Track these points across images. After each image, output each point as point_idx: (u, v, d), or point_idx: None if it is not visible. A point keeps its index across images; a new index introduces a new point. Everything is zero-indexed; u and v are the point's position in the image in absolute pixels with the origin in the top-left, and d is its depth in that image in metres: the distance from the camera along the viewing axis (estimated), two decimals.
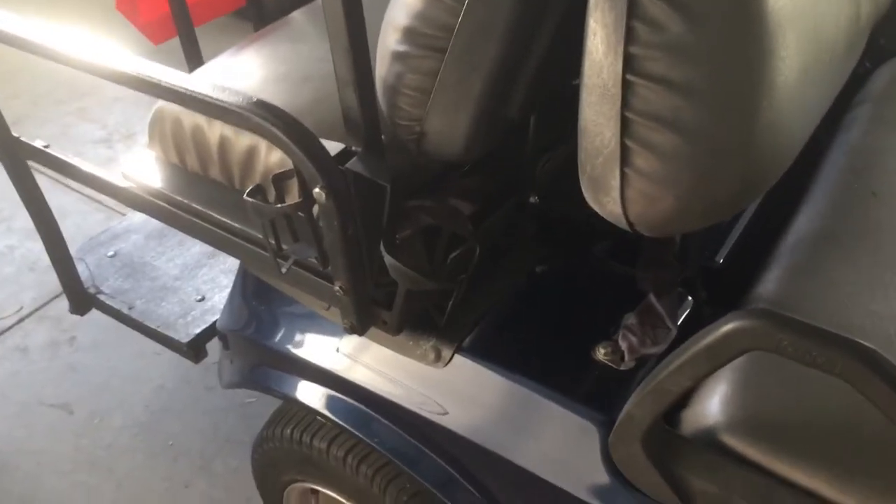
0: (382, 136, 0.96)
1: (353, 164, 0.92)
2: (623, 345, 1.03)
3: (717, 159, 0.77)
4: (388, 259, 0.93)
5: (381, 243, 0.95)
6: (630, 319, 1.05)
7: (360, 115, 0.91)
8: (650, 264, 1.17)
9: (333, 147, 0.95)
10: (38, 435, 1.95)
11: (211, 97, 0.93)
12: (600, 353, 1.04)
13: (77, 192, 2.66)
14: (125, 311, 1.63)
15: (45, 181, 2.64)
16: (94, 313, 1.78)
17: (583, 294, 1.18)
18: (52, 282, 2.21)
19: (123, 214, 2.08)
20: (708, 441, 0.92)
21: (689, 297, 1.16)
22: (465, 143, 0.93)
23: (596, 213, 1.13)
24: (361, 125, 0.92)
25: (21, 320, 2.25)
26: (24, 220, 2.45)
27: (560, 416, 1.00)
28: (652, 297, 1.07)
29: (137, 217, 1.87)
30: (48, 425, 1.96)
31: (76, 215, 2.59)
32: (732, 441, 0.90)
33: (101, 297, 1.67)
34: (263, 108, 0.91)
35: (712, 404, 0.93)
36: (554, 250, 1.27)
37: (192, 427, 1.94)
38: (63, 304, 2.09)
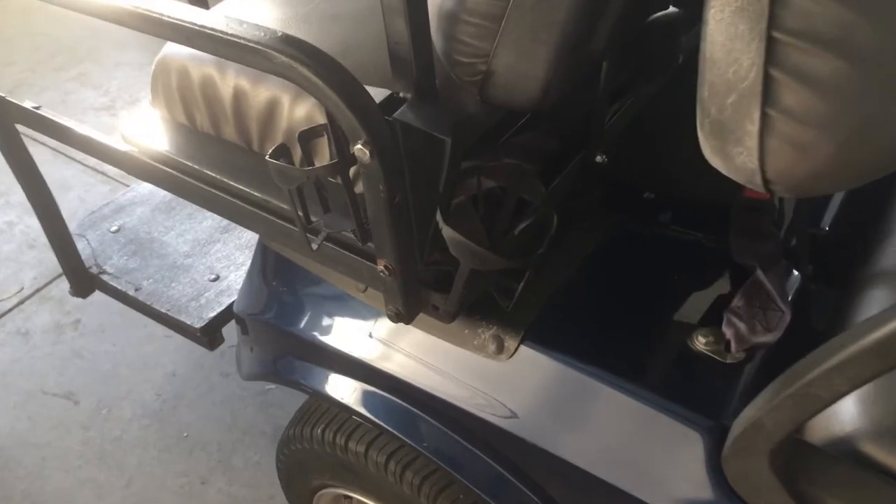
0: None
1: (402, 113, 0.74)
2: (728, 332, 0.85)
3: None
4: (447, 232, 0.75)
5: (438, 212, 0.77)
6: (736, 301, 0.87)
7: (412, 53, 0.72)
8: (746, 234, 0.99)
9: (377, 94, 0.76)
10: (41, 427, 1.80)
11: (226, 32, 0.75)
12: (700, 343, 0.86)
13: (80, 163, 2.50)
14: (131, 292, 1.46)
15: (45, 152, 2.48)
16: (100, 294, 1.61)
17: (668, 270, 0.99)
18: (55, 260, 2.04)
19: (129, 186, 1.90)
20: (846, 453, 0.75)
21: (795, 272, 0.98)
22: (544, 83, 0.74)
23: (673, 176, 0.94)
24: (413, 65, 0.73)
25: (21, 302, 2.09)
26: (23, 194, 2.30)
27: (654, 420, 0.83)
28: (760, 274, 0.89)
29: (143, 188, 1.70)
30: (53, 417, 1.83)
31: (79, 188, 2.43)
32: (877, 452, 0.73)
33: (105, 278, 1.50)
34: (291, 45, 0.72)
35: (847, 407, 0.76)
36: (626, 218, 1.09)
37: (207, 417, 1.79)
38: (66, 283, 1.93)
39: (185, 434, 1.76)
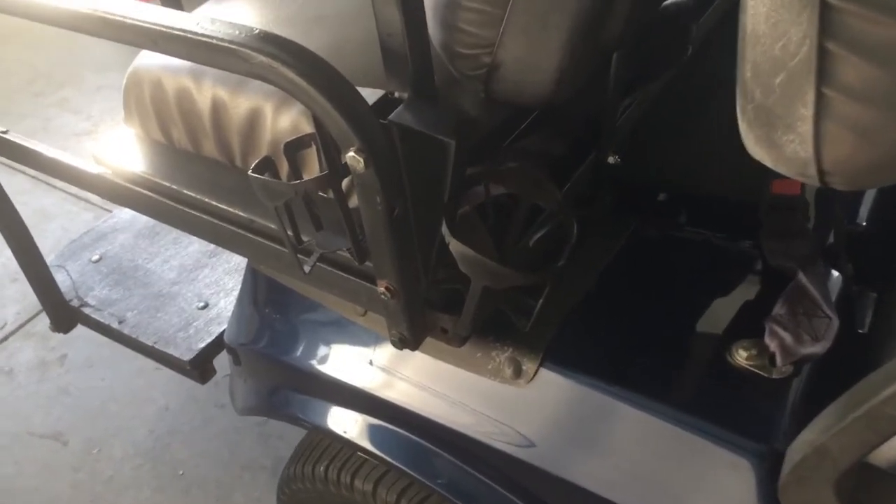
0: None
1: (398, 115, 0.65)
2: (772, 344, 0.77)
3: None
4: (455, 247, 0.67)
5: (444, 224, 0.68)
6: (778, 309, 0.78)
7: (407, 45, 0.64)
8: (777, 234, 0.90)
9: (369, 95, 0.68)
10: (28, 471, 1.70)
11: (196, 33, 0.66)
12: (741, 357, 0.77)
13: (62, 191, 2.41)
14: (115, 325, 1.37)
15: (24, 180, 2.39)
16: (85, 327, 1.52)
17: (694, 277, 0.91)
18: None
19: (111, 212, 1.81)
20: None
21: (835, 273, 0.89)
22: (557, 74, 0.66)
23: (689, 174, 0.87)
24: (408, 59, 0.65)
25: (4, 339, 1.99)
26: None
27: (696, 447, 0.74)
28: (802, 277, 0.80)
29: (125, 213, 1.61)
30: (40, 459, 1.72)
31: (62, 217, 2.34)
32: None
33: (87, 311, 1.41)
34: (270, 43, 0.64)
35: None
36: (641, 223, 1.00)
37: (204, 453, 1.69)
38: None
39: (181, 472, 1.66)
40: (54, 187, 2.40)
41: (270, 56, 0.63)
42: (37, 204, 2.35)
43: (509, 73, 0.66)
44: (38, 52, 3.05)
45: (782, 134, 0.56)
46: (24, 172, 2.33)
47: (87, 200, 2.38)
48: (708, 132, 1.11)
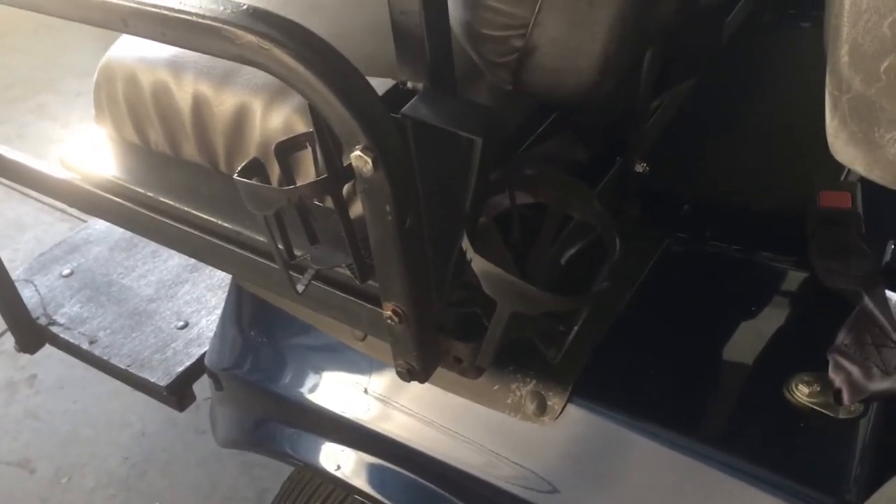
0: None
1: (413, 107, 0.55)
2: (838, 379, 0.67)
3: None
4: (480, 264, 0.56)
5: (465, 238, 0.58)
6: (842, 338, 0.68)
7: (424, 27, 0.54)
8: (829, 252, 0.81)
9: (377, 85, 0.57)
10: None
11: (173, 9, 0.56)
12: (801, 394, 0.67)
13: (36, 200, 2.29)
14: (85, 346, 1.26)
15: None
16: None
17: (737, 299, 0.81)
18: None
19: (87, 223, 1.70)
20: None
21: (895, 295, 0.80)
22: (601, 62, 0.56)
23: (721, 183, 0.78)
24: (425, 42, 0.55)
25: None
26: None
27: (752, 499, 0.64)
28: (869, 302, 0.70)
29: (100, 224, 1.49)
30: (5, 489, 1.61)
31: (36, 228, 2.22)
32: None
33: (55, 330, 1.29)
34: (260, 20, 0.54)
35: None
36: (671, 237, 0.91)
37: (182, 483, 1.58)
38: None
39: (158, 503, 1.54)
40: (29, 196, 2.28)
41: (261, 35, 0.53)
42: (10, 213, 2.24)
43: (545, 58, 0.56)
44: (16, 56, 2.94)
45: (886, 131, 0.46)
46: None
47: (63, 211, 2.26)
48: (742, 138, 1.02)
